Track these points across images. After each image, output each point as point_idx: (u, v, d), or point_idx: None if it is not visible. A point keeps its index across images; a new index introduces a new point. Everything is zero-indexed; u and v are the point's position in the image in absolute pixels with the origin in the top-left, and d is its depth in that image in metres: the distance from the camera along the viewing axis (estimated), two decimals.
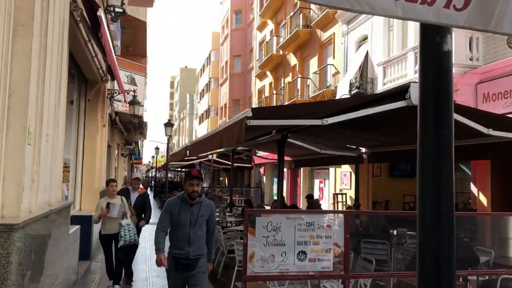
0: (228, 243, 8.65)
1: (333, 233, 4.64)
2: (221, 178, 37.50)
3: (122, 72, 13.10)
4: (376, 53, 15.03)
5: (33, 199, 4.50)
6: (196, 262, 4.60)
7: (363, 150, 11.07)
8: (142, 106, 15.66)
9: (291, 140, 9.98)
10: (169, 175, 30.39)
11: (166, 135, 22.05)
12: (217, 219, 10.68)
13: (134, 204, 7.85)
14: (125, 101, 13.13)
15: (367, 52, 15.67)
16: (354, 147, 11.25)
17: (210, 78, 46.96)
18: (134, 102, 13.21)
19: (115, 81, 10.95)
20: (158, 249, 4.66)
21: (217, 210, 12.90)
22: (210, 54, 48.03)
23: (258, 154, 19.04)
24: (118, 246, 6.98)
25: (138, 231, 7.80)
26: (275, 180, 25.66)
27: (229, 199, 15.30)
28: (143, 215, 8.03)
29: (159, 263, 4.64)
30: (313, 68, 20.65)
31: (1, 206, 3.92)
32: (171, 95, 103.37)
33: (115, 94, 12.10)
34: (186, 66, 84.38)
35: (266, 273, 4.30)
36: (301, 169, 20.95)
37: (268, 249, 4.31)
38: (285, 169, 20.37)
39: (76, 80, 9.38)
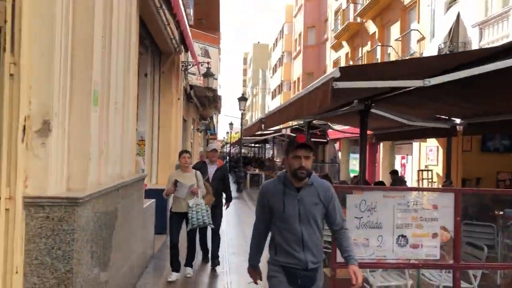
0: None
1: (438, 215, 3.88)
2: None
3: (195, 44, 12.79)
4: (469, 14, 13.40)
5: (102, 172, 4.18)
6: (315, 274, 3.13)
7: (458, 121, 9.86)
8: (216, 79, 15.37)
9: (374, 111, 9.09)
10: (243, 150, 30.37)
11: (240, 110, 21.87)
12: None
13: (212, 178, 7.29)
14: (199, 73, 12.84)
15: (458, 13, 14.06)
16: (446, 117, 10.08)
17: (283, 52, 46.12)
18: (208, 74, 12.85)
19: (189, 52, 10.63)
20: (252, 265, 3.33)
21: None
22: (283, 27, 47.07)
23: (334, 128, 18.16)
24: (187, 230, 6.46)
25: (217, 215, 7.17)
26: (352, 155, 24.61)
27: None
28: (222, 192, 7.60)
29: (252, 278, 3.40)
30: (395, 35, 19.14)
31: (67, 178, 3.61)
32: (244, 72, 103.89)
33: (189, 67, 11.84)
34: (258, 42, 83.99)
35: (359, 259, 3.66)
36: (381, 144, 19.76)
37: (361, 232, 3.67)
38: None
39: (149, 52, 9.16)
